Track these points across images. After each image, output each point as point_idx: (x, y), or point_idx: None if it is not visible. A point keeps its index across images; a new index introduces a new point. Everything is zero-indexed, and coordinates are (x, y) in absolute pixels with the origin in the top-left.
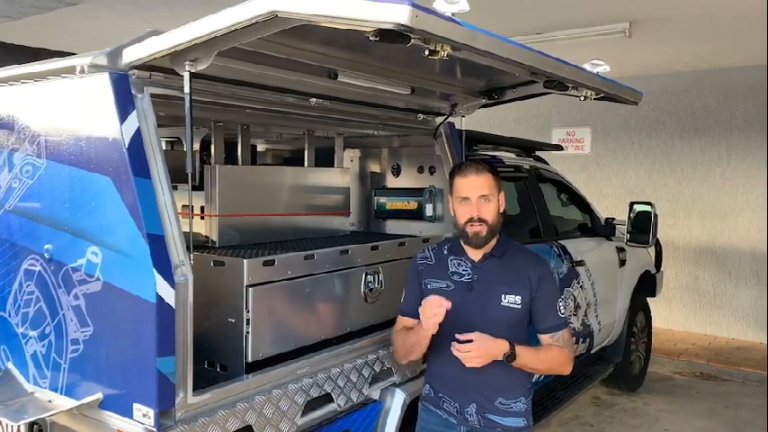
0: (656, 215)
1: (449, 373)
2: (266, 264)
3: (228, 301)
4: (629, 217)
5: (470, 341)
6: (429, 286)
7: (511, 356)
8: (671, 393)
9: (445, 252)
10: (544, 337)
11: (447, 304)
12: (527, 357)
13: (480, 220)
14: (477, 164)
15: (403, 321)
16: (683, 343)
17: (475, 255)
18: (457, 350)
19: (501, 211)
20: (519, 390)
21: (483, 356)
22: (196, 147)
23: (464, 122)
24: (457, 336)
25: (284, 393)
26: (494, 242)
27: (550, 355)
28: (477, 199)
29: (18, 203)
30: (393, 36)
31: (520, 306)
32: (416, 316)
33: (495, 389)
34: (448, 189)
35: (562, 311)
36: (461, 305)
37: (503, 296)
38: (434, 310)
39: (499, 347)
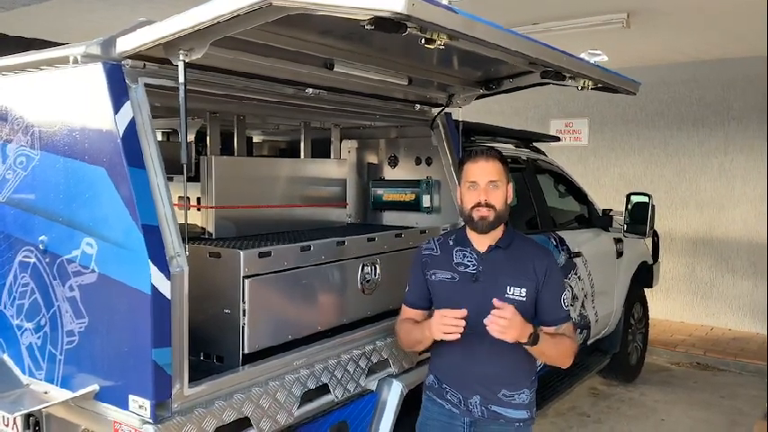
0: (653, 206)
1: (453, 364)
2: (262, 255)
3: (225, 292)
4: (626, 208)
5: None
6: (434, 277)
7: (535, 338)
8: (668, 384)
9: (451, 243)
10: (548, 330)
11: (462, 322)
12: (545, 344)
13: (488, 205)
14: (487, 150)
15: (407, 312)
16: (680, 334)
17: (481, 246)
18: (492, 319)
19: (509, 202)
20: (523, 382)
21: (515, 330)
22: (192, 138)
23: (461, 113)
24: (494, 302)
25: (281, 385)
26: (500, 233)
27: (564, 344)
28: (485, 184)
29: (12, 195)
30: (389, 24)
31: (525, 298)
32: (420, 307)
33: (498, 381)
34: (446, 180)
35: (566, 304)
36: (466, 296)
37: (508, 288)
38: (449, 328)
39: (526, 328)
